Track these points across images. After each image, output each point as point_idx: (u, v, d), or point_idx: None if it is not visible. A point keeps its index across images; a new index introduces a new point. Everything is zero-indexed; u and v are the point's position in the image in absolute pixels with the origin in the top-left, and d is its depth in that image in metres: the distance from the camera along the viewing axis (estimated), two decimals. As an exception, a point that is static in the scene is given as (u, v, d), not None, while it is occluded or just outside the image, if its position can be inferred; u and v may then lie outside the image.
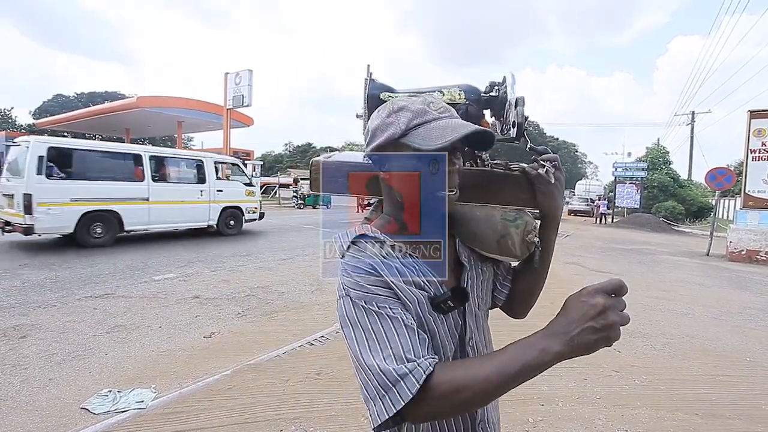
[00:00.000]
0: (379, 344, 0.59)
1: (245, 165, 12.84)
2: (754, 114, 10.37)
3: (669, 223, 20.74)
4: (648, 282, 6.81)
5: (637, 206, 22.78)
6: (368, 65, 0.86)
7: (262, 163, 36.20)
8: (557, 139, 57.87)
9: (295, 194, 21.93)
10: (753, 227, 10.06)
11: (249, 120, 26.55)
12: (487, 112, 0.86)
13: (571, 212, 28.19)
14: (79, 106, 31.02)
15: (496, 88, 0.83)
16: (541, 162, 0.73)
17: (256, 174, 26.30)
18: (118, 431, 2.18)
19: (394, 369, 0.56)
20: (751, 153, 10.24)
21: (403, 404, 0.55)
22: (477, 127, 0.64)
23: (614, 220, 22.52)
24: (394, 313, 0.62)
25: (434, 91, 0.83)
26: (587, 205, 27.20)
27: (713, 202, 14.54)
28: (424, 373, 0.56)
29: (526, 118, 0.83)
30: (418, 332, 0.61)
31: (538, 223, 0.75)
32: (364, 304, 0.63)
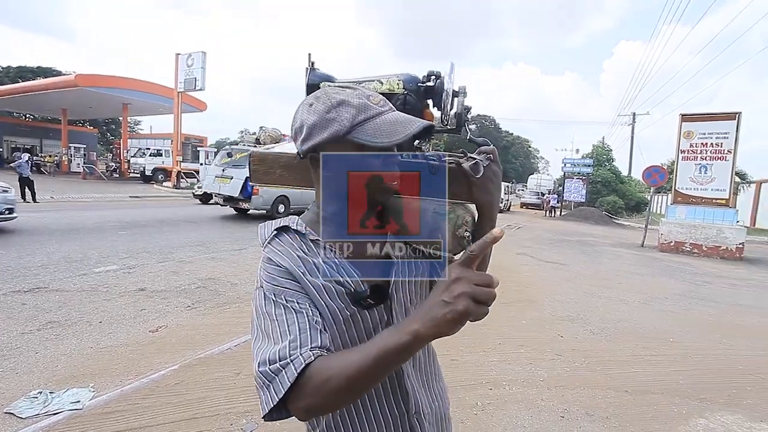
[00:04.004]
0: (281, 335, 0.60)
1: (197, 151, 12.35)
2: (685, 117, 11.33)
3: (610, 217, 22.28)
4: (591, 272, 7.31)
5: (583, 200, 24.27)
6: (309, 54, 0.83)
7: (216, 150, 34.63)
8: (512, 134, 59.97)
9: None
10: (680, 221, 11.06)
11: (202, 105, 25.22)
12: (430, 102, 0.85)
13: (523, 205, 29.57)
14: (5, 82, 27.84)
15: (432, 77, 0.82)
16: (471, 156, 0.71)
17: (208, 162, 25.17)
18: (50, 434, 2.03)
19: (279, 359, 0.57)
20: (681, 153, 11.20)
21: (284, 392, 0.55)
22: (426, 122, 0.64)
23: (562, 213, 23.84)
24: (300, 307, 0.63)
25: (374, 81, 0.81)
26: (538, 198, 28.60)
27: (649, 198, 15.79)
28: (304, 362, 0.56)
29: (468, 109, 0.82)
30: (320, 331, 0.62)
31: (476, 217, 0.73)
32: (273, 296, 0.64)
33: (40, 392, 2.36)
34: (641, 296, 5.65)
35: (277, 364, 0.57)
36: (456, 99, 0.81)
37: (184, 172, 20.90)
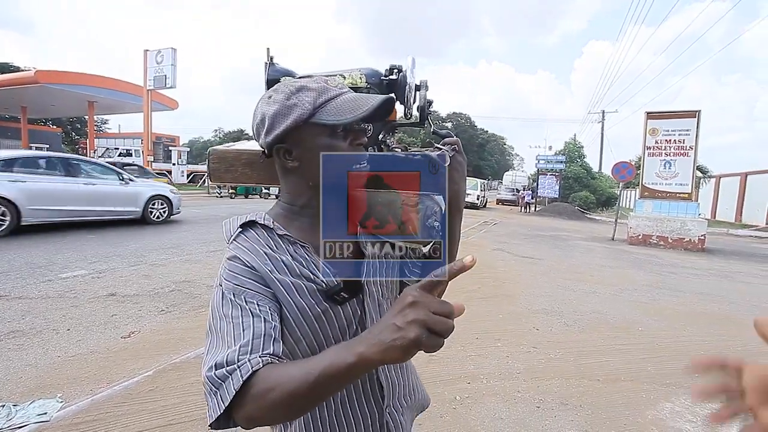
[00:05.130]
0: (234, 339, 0.56)
1: (169, 151, 12.27)
2: (650, 115, 11.80)
3: (583, 212, 22.97)
4: (564, 266, 7.52)
5: (557, 196, 24.95)
6: (268, 48, 0.82)
7: (188, 149, 33.72)
8: (487, 132, 61.06)
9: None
10: (648, 214, 11.53)
11: (173, 103, 24.51)
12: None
13: (498, 201, 30.13)
14: (-43, 78, 26.25)
15: (395, 71, 0.82)
16: (437, 146, 0.72)
17: (181, 161, 24.50)
18: (15, 448, 1.94)
19: (227, 363, 0.54)
20: (647, 149, 11.67)
21: (230, 400, 0.51)
22: (387, 96, 0.65)
23: (537, 209, 24.43)
24: (259, 310, 0.60)
25: (336, 75, 0.81)
26: (513, 194, 29.21)
27: (618, 193, 16.37)
28: (252, 368, 0.53)
29: (430, 103, 0.83)
30: (275, 339, 0.59)
31: (443, 207, 0.75)
32: (232, 296, 0.61)
33: (3, 405, 2.24)
34: (612, 288, 5.87)
35: (224, 370, 0.53)
36: (418, 93, 0.82)
37: (156, 173, 20.26)
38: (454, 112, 55.99)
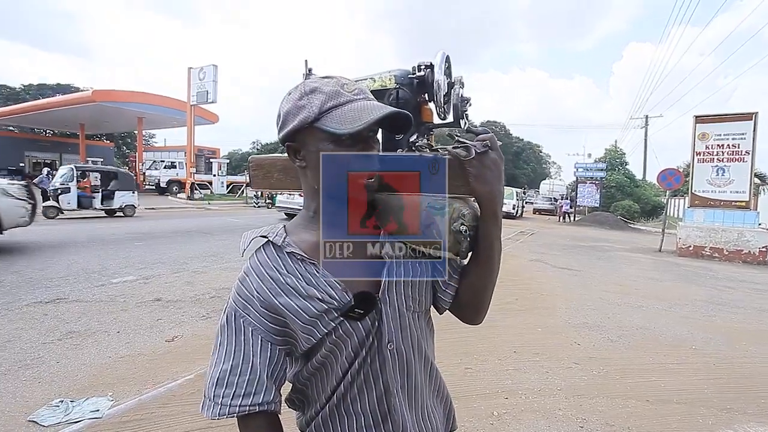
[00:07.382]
0: (224, 356, 0.64)
1: (210, 163, 12.91)
2: (699, 119, 11.12)
3: (626, 221, 21.86)
4: (607, 278, 7.16)
5: (597, 205, 23.89)
6: (306, 60, 0.81)
7: (228, 161, 35.23)
8: (522, 139, 59.67)
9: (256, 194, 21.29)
10: (699, 224, 10.79)
11: (214, 117, 25.76)
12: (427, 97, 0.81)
13: (535, 211, 29.25)
14: (26, 99, 28.95)
15: (423, 67, 0.77)
16: (462, 140, 0.65)
17: (221, 173, 25.60)
18: (70, 443, 2.07)
19: (215, 391, 0.63)
20: (697, 155, 10.98)
21: (209, 418, 0.64)
22: (392, 108, 0.62)
23: (576, 219, 23.50)
24: (252, 337, 0.64)
25: (366, 79, 0.79)
26: (551, 204, 28.28)
27: (665, 201, 15.47)
28: (236, 413, 0.63)
29: (467, 101, 0.78)
30: (266, 369, 0.65)
31: (475, 211, 0.68)
32: (233, 317, 0.66)
33: (62, 401, 2.40)
34: (660, 302, 5.52)
35: (213, 392, 0.64)
36: (452, 90, 0.77)
37: (197, 184, 21.30)
38: (488, 121, 55.32)
